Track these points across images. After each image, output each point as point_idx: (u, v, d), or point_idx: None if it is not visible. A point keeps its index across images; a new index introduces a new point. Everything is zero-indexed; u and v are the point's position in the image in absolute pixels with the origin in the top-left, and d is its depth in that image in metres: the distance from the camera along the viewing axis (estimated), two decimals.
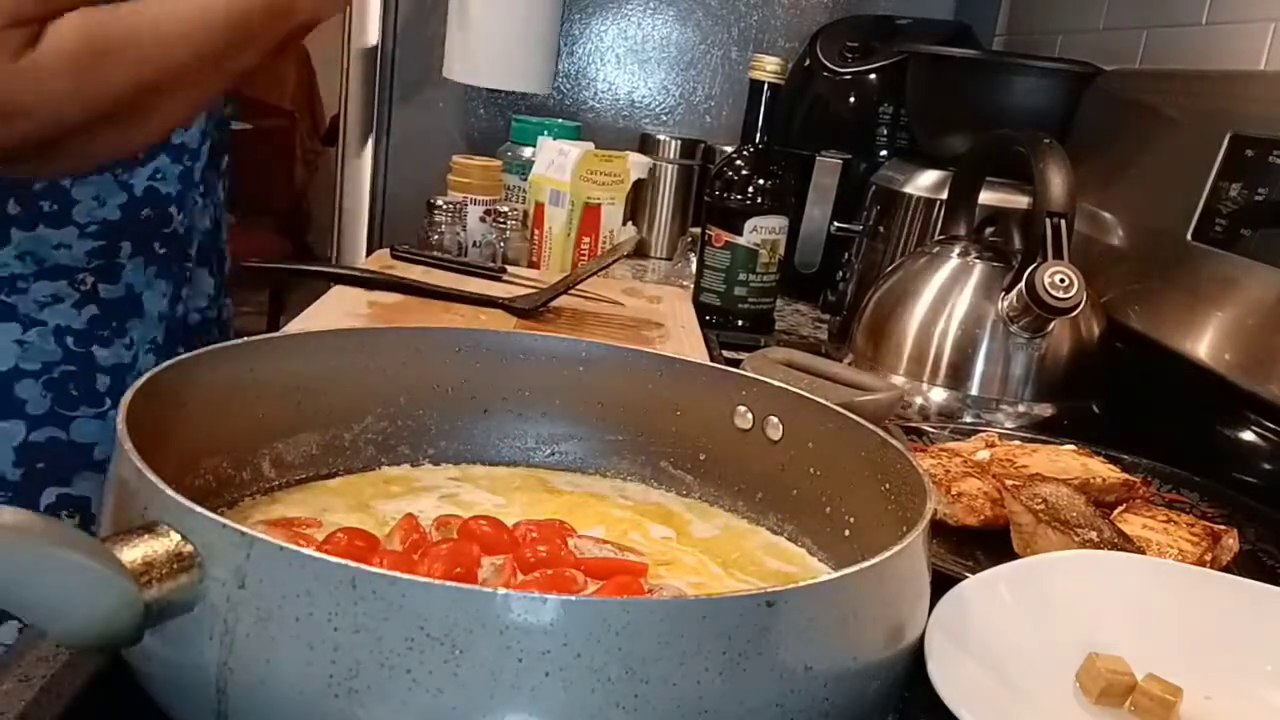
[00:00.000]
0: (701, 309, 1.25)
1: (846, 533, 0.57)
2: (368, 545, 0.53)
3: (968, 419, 0.89)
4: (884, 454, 0.54)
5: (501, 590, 0.34)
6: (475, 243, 1.35)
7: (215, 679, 0.36)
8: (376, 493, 0.60)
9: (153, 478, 0.39)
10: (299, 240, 4.60)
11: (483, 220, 1.35)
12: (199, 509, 0.37)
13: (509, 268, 1.21)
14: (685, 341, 1.02)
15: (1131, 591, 0.52)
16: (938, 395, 0.91)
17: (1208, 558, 0.62)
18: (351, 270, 1.06)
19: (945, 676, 0.42)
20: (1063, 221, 0.82)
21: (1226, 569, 0.64)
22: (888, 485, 0.54)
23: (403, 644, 0.34)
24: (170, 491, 0.38)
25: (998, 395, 0.90)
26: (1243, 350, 0.82)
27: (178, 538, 0.37)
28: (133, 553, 0.36)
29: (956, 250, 0.95)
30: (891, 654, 0.41)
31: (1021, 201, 1.03)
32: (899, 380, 0.93)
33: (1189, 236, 0.85)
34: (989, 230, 0.97)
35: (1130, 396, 0.91)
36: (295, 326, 0.92)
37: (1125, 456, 0.78)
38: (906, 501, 0.51)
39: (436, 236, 1.32)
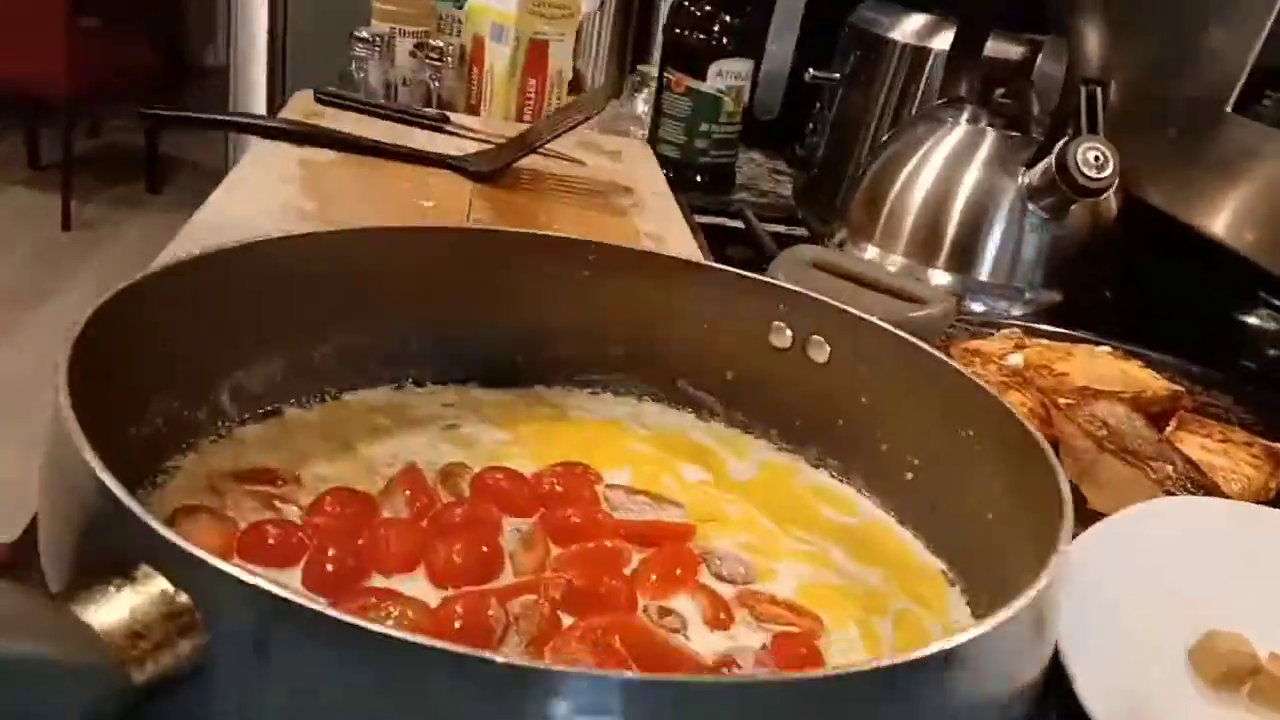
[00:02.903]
0: (658, 162, 1.15)
1: (909, 476, 0.51)
2: (362, 510, 0.44)
3: (975, 307, 0.82)
4: (971, 398, 0.46)
5: (615, 673, 0.26)
6: (405, 80, 1.20)
7: None
8: (361, 428, 0.51)
9: (129, 503, 0.29)
10: (173, 50, 4.19)
11: (413, 55, 1.19)
12: (203, 555, 0.27)
13: (450, 115, 1.08)
14: (661, 213, 0.92)
15: (1239, 545, 0.47)
16: (940, 279, 0.84)
17: (1273, 484, 0.58)
18: (277, 123, 0.92)
19: (1085, 680, 0.36)
20: (1099, 90, 0.74)
21: None
22: (971, 432, 0.47)
23: None
24: (160, 528, 0.28)
25: (1005, 281, 0.83)
26: (1267, 229, 0.77)
27: (168, 585, 0.28)
28: (110, 614, 0.27)
29: (965, 116, 0.86)
30: (1042, 666, 0.35)
31: (1037, 58, 0.94)
32: (898, 260, 0.86)
33: (1229, 108, 0.78)
34: (999, 92, 0.88)
35: (1144, 281, 0.86)
36: (219, 195, 0.79)
37: (1153, 354, 0.73)
38: (1001, 458, 0.44)
39: (361, 74, 1.16)
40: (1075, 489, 0.58)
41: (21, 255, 3.00)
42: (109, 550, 0.29)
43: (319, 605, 0.26)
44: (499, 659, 0.26)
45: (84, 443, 0.30)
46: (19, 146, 3.67)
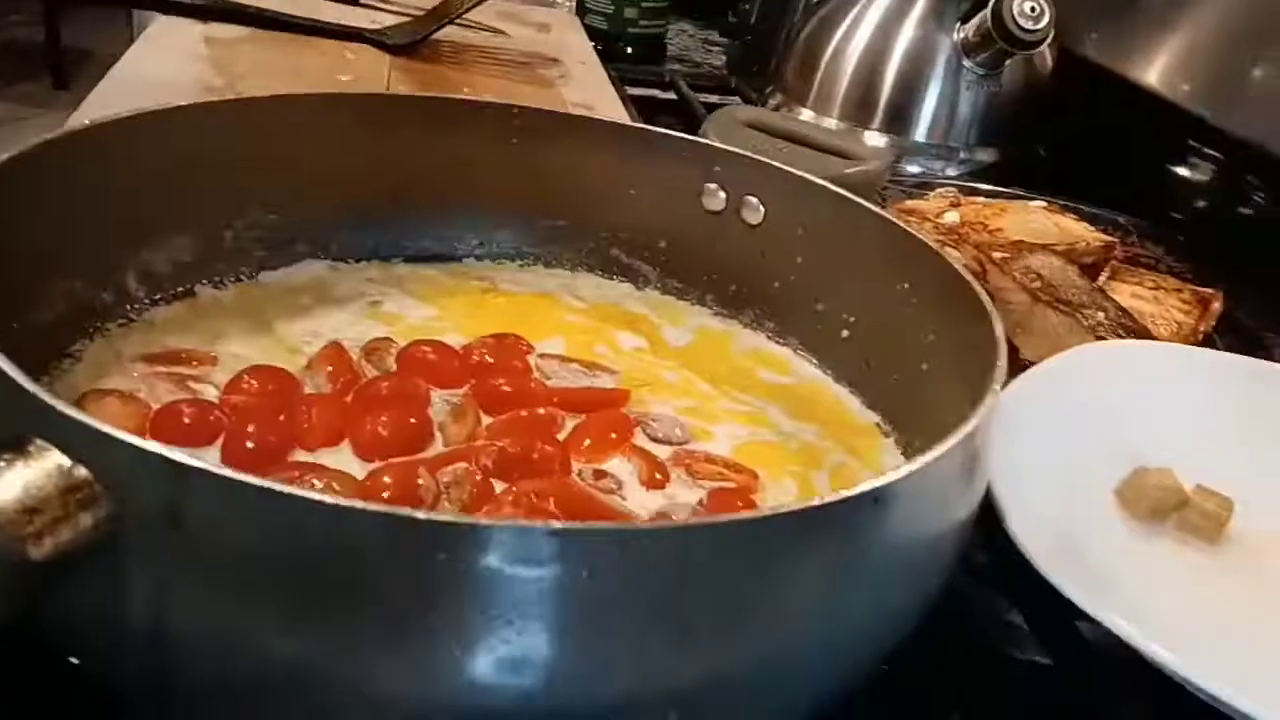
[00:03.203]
0: (586, 34, 1.11)
1: (845, 334, 0.50)
2: (283, 387, 0.43)
3: (911, 169, 0.81)
4: (907, 249, 0.46)
5: (542, 525, 0.26)
6: None
7: (148, 636, 0.27)
8: (279, 308, 0.49)
9: (13, 373, 0.27)
10: None
11: None
12: (96, 424, 0.26)
13: None
14: (590, 82, 0.89)
15: (1165, 385, 0.47)
16: (876, 140, 0.83)
17: (1202, 327, 0.58)
18: None
19: (1014, 515, 0.37)
20: None
21: (1208, 336, 0.61)
22: (906, 285, 0.46)
23: (413, 592, 0.25)
24: (48, 398, 0.26)
25: (940, 141, 0.82)
26: (1202, 79, 0.76)
27: (64, 459, 0.26)
28: (4, 492, 0.25)
29: None
30: (972, 509, 0.35)
31: None
32: (832, 124, 0.84)
33: None
34: None
35: (1077, 137, 0.85)
36: (119, 75, 0.75)
37: (1085, 208, 0.72)
38: (937, 309, 0.44)
39: None
40: (1009, 342, 0.58)
41: None
42: (2, 432, 0.27)
43: (231, 472, 0.25)
44: (426, 516, 0.25)
45: None
46: None
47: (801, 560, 0.27)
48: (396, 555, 0.25)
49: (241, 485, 0.25)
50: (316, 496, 0.25)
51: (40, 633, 0.30)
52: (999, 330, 0.37)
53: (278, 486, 0.25)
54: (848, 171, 0.53)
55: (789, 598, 0.28)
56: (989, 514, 0.38)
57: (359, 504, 0.25)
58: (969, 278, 0.41)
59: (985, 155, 0.83)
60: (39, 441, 0.26)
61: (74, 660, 0.31)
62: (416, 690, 0.27)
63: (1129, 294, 0.60)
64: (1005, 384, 0.35)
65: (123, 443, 0.25)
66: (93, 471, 0.26)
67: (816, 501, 0.27)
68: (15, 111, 3.24)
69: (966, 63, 0.78)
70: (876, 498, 0.28)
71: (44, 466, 0.26)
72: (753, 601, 0.27)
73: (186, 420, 0.39)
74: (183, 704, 0.29)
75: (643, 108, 0.93)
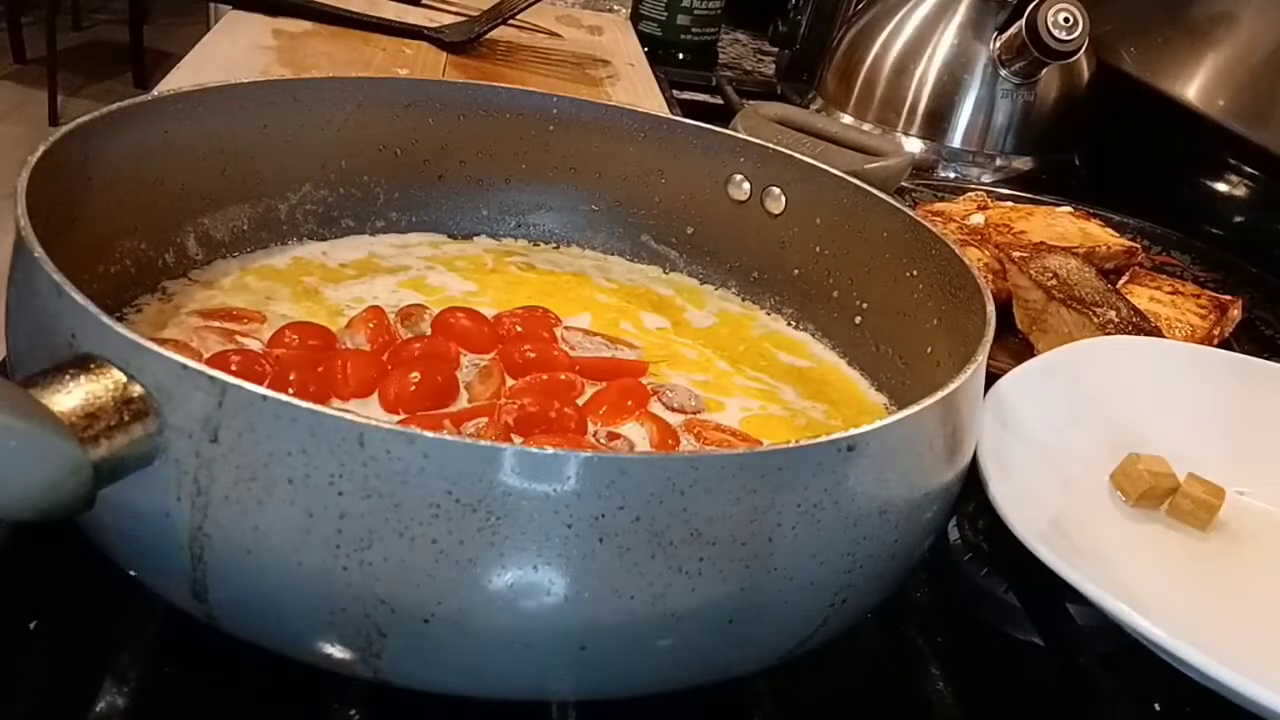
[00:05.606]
0: (639, 40, 1.14)
1: (858, 319, 0.52)
2: (322, 343, 0.46)
3: (947, 174, 0.83)
4: (915, 237, 0.48)
5: (550, 450, 0.28)
6: None
7: (189, 545, 0.30)
8: (328, 275, 0.52)
9: (79, 299, 0.30)
10: None
11: None
12: (149, 344, 0.29)
13: None
14: (637, 82, 0.92)
15: (1166, 379, 0.48)
16: (913, 146, 0.84)
17: (1216, 331, 0.59)
18: None
19: (1007, 497, 0.38)
20: None
21: (1226, 341, 0.62)
22: (914, 272, 0.48)
23: (426, 511, 0.28)
24: (107, 320, 0.30)
25: (976, 147, 0.83)
26: (1240, 95, 0.77)
27: (121, 376, 0.29)
28: (68, 399, 0.29)
29: None
30: (953, 476, 0.37)
31: None
32: (868, 127, 0.86)
33: None
34: None
35: (1112, 147, 0.86)
36: (191, 63, 0.79)
37: (1114, 216, 0.74)
38: (941, 294, 0.46)
39: None
40: (1025, 339, 0.60)
41: (9, 150, 2.98)
42: (69, 350, 0.31)
43: (265, 390, 0.28)
44: (440, 436, 0.28)
45: (40, 249, 0.32)
46: (2, 40, 3.62)
47: (777, 497, 0.30)
48: (415, 473, 0.28)
49: (273, 402, 0.28)
50: (342, 415, 0.28)
51: (103, 547, 0.34)
52: (989, 306, 0.39)
53: (305, 404, 0.28)
54: (867, 167, 0.55)
55: (766, 531, 0.30)
56: (985, 495, 0.39)
57: (380, 423, 0.28)
58: (967, 261, 0.43)
59: (1020, 163, 0.84)
60: (101, 361, 0.30)
61: (132, 573, 0.34)
62: (433, 602, 0.29)
63: (1147, 298, 0.61)
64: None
65: (170, 360, 0.29)
66: (145, 388, 0.29)
67: (792, 444, 0.30)
68: (96, 108, 3.36)
69: (1003, 72, 0.80)
70: (850, 446, 0.31)
71: (103, 381, 0.29)
72: (733, 532, 0.30)
73: (234, 368, 0.42)
74: (223, 614, 0.32)
75: (689, 111, 0.95)
